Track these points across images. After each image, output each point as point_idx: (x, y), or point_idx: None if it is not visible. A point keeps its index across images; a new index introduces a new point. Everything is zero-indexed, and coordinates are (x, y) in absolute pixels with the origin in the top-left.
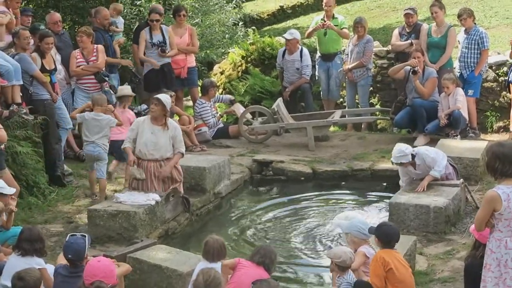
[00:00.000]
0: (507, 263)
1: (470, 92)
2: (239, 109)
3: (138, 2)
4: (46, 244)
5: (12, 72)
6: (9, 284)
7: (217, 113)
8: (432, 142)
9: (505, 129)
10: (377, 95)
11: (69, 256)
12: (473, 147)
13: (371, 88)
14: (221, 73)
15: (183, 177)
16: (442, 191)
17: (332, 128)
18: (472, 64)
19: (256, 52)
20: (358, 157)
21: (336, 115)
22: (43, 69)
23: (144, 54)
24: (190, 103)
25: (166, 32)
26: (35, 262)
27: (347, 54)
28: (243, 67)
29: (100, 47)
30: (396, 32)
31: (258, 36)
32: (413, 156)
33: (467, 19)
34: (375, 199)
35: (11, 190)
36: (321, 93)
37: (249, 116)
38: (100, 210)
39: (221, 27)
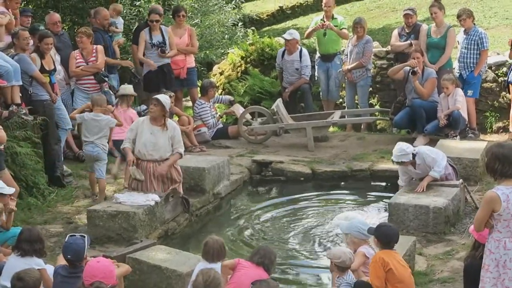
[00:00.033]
0: (506, 264)
1: (470, 92)
2: (238, 109)
3: (138, 3)
4: (46, 244)
5: (12, 73)
6: (9, 285)
7: (216, 113)
8: (432, 143)
9: (505, 129)
10: (377, 95)
11: (68, 256)
12: (473, 148)
13: (371, 89)
14: (221, 73)
15: (182, 177)
16: (442, 192)
17: (331, 129)
18: (471, 65)
19: (256, 52)
20: (358, 158)
21: (335, 115)
22: (42, 70)
23: (144, 54)
24: (190, 103)
25: (166, 33)
26: (35, 263)
27: (346, 55)
28: (243, 68)
29: (100, 47)
30: (395, 32)
31: (258, 36)
32: (413, 155)
33: (466, 20)
34: (375, 199)
35: (10, 190)
36: (321, 93)
37: (248, 116)
38: (99, 211)
39: (220, 28)
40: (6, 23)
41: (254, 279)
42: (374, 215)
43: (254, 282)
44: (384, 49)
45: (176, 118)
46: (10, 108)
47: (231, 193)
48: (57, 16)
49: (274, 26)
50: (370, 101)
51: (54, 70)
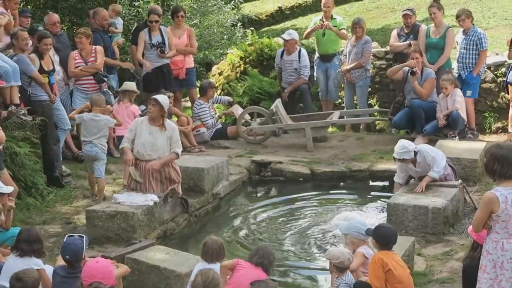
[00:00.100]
0: (503, 265)
1: (469, 93)
2: (237, 110)
3: (137, 3)
4: (45, 245)
5: (11, 73)
6: (7, 285)
7: (215, 114)
8: (431, 143)
9: (504, 130)
10: (376, 96)
11: (67, 257)
12: (472, 148)
13: (370, 89)
14: (220, 74)
15: (181, 178)
16: (441, 192)
17: (330, 129)
18: (470, 65)
19: (255, 53)
20: (357, 158)
21: (334, 116)
22: (41, 70)
23: (143, 55)
24: (189, 104)
25: (165, 33)
26: (34, 263)
27: (345, 55)
28: (242, 68)
29: (99, 48)
30: (394, 33)
31: (257, 37)
32: (415, 153)
33: (465, 20)
34: (374, 200)
35: (8, 189)
36: (320, 94)
37: (247, 117)
38: (98, 211)
39: (219, 28)
40: (5, 23)
41: (253, 279)
42: (373, 216)
43: (253, 283)
44: (383, 49)
45: (175, 119)
46: (9, 109)
47: (230, 194)
48: (56, 17)
49: (273, 27)
50: (369, 102)
51: (53, 70)
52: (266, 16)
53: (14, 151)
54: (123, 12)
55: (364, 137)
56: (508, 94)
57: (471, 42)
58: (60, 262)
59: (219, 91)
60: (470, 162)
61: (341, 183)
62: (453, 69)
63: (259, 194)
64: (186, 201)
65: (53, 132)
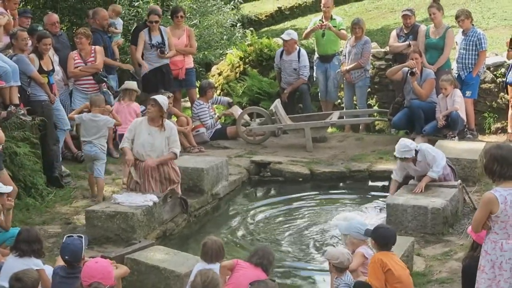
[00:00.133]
0: (502, 265)
1: (468, 93)
2: (237, 111)
3: (136, 4)
4: (44, 245)
5: (10, 73)
6: (7, 285)
7: (215, 114)
8: (430, 143)
9: (503, 130)
10: (375, 96)
11: (66, 257)
12: (471, 148)
13: (369, 89)
14: (219, 74)
15: (181, 178)
16: (440, 192)
17: (330, 129)
18: (470, 65)
19: (254, 53)
20: (356, 158)
21: (334, 116)
22: (41, 70)
23: (143, 55)
24: (188, 104)
25: (165, 33)
26: (33, 263)
27: (345, 56)
28: (241, 68)
29: (98, 48)
30: (394, 33)
31: (256, 37)
32: (416, 152)
33: (465, 21)
34: (373, 200)
35: (7, 189)
36: (319, 94)
37: (247, 117)
38: (98, 211)
39: (219, 28)
40: (4, 23)
41: (252, 279)
42: (373, 216)
43: (253, 283)
44: (383, 50)
45: (174, 119)
46: (9, 109)
47: (229, 194)
48: (55, 17)
49: (273, 27)
50: (369, 102)
51: (53, 70)
52: (266, 16)
53: (14, 151)
54: (123, 12)
55: (364, 138)
56: (508, 94)
57: (471, 43)
58: (60, 262)
59: (218, 91)
60: (469, 162)
61: (341, 184)
62: (452, 69)
63: (258, 195)
64: (186, 202)
65: (53, 132)
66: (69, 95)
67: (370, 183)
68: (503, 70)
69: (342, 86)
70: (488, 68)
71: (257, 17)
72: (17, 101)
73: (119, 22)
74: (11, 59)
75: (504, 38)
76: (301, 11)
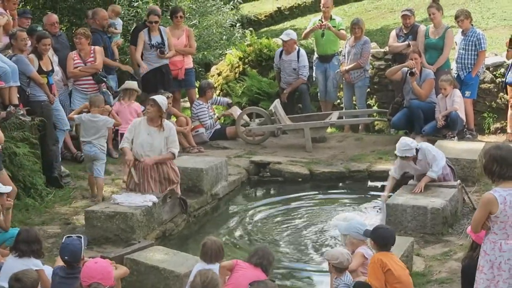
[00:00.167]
0: (501, 266)
1: (467, 93)
2: (236, 111)
3: (136, 4)
4: (44, 245)
5: (10, 74)
6: (6, 286)
7: (214, 114)
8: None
9: (502, 130)
10: (375, 96)
11: (66, 257)
12: (470, 148)
13: (368, 90)
14: (219, 74)
15: (180, 178)
16: (440, 192)
17: (329, 129)
18: (469, 66)
19: (254, 53)
20: (355, 158)
21: (333, 116)
22: (40, 71)
23: (142, 55)
24: (188, 104)
25: (165, 33)
26: (33, 264)
27: (344, 56)
28: (241, 69)
29: (98, 48)
30: (393, 33)
31: (256, 37)
32: (416, 150)
33: (464, 21)
34: (373, 200)
35: (7, 189)
36: (319, 94)
37: (246, 117)
38: (97, 212)
39: (218, 29)
40: (4, 24)
41: (252, 280)
42: (373, 216)
43: (252, 283)
44: (382, 50)
45: (174, 119)
46: (8, 109)
47: (229, 194)
48: (55, 17)
49: (272, 27)
50: (368, 102)
51: (52, 71)
52: (265, 16)
53: (13, 151)
54: (122, 12)
55: (363, 138)
56: (507, 94)
57: (470, 43)
58: (59, 262)
59: (218, 92)
60: (469, 162)
61: (340, 184)
62: (452, 69)
63: (258, 195)
64: (185, 202)
65: (52, 132)
66: (68, 95)
67: (370, 183)
68: (502, 70)
69: (341, 86)
70: (488, 68)
71: (257, 17)
72: (16, 102)
73: (118, 23)
74: (10, 59)
75: (503, 38)
76: (300, 11)
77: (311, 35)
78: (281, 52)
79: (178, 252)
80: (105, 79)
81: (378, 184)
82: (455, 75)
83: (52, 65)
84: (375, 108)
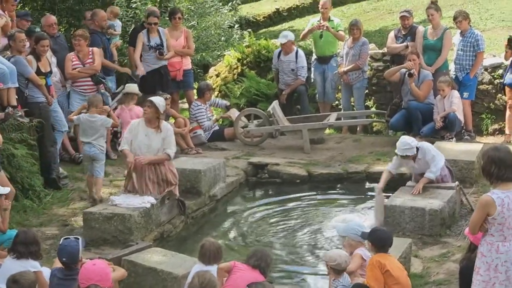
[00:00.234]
0: (497, 268)
1: (466, 94)
2: (234, 114)
3: (134, 5)
4: (42, 247)
5: (8, 75)
6: (4, 287)
7: (212, 115)
8: None
9: (501, 131)
10: (373, 97)
11: (63, 259)
12: (469, 150)
13: (367, 91)
14: (217, 75)
15: (178, 179)
16: (438, 194)
17: (327, 131)
18: (467, 67)
19: (252, 54)
20: (354, 160)
21: (331, 117)
22: (38, 72)
23: (141, 56)
24: (186, 105)
25: (163, 35)
26: (31, 265)
27: (342, 57)
28: (239, 70)
29: (96, 49)
30: (391, 34)
31: (254, 38)
32: (417, 149)
33: (462, 22)
34: (371, 201)
35: (5, 190)
36: (317, 95)
37: (244, 119)
38: (95, 213)
39: (217, 30)
40: (2, 25)
41: (250, 281)
42: (372, 218)
43: (250, 285)
44: (380, 51)
45: (172, 120)
46: (6, 110)
47: (227, 195)
48: (53, 18)
49: (271, 28)
50: (366, 103)
51: (50, 72)
52: (264, 17)
53: (11, 153)
54: (121, 13)
55: (361, 139)
56: (505, 95)
57: (468, 44)
58: (57, 264)
59: (216, 93)
60: (467, 164)
61: (338, 185)
62: (450, 70)
63: (256, 196)
64: (183, 203)
65: (50, 134)
66: (66, 96)
67: (368, 185)
68: (500, 71)
69: (339, 87)
70: (486, 69)
71: (255, 19)
72: (14, 103)
73: (118, 24)
74: (8, 60)
75: (501, 39)
76: (299, 12)
77: (310, 36)
78: (279, 53)
79: (176, 253)
80: (103, 80)
81: (376, 185)
82: (453, 76)
83: (50, 67)
84: (373, 109)
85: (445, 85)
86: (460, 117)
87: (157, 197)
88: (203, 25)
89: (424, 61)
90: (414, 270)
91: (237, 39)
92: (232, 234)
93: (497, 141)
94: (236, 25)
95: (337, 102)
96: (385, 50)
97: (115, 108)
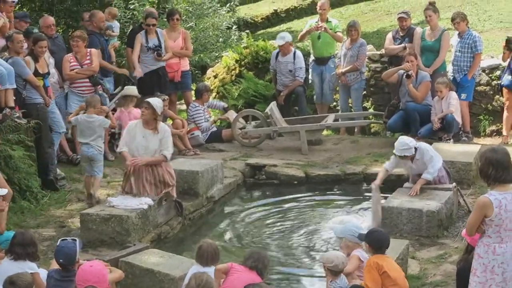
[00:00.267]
0: (494, 269)
1: (463, 95)
2: (232, 116)
3: (132, 6)
4: (39, 248)
5: (6, 76)
6: None
7: (210, 117)
8: None
9: (498, 133)
10: (371, 99)
11: (60, 260)
12: (466, 151)
13: (365, 92)
14: (215, 76)
15: (175, 181)
16: (435, 195)
17: (325, 132)
18: (465, 68)
19: (250, 55)
20: (351, 161)
21: (329, 119)
22: (36, 73)
23: (139, 57)
24: (184, 107)
25: (162, 36)
26: (28, 267)
27: (340, 58)
28: (237, 71)
29: (94, 50)
30: (389, 35)
31: (252, 39)
32: (415, 149)
33: (460, 23)
34: (368, 203)
35: (2, 191)
36: (315, 97)
37: (242, 120)
38: (92, 214)
39: (215, 31)
40: (0, 26)
41: (247, 283)
42: (370, 219)
43: (247, 286)
44: (378, 52)
45: (170, 122)
46: (4, 111)
47: (224, 197)
48: (51, 19)
49: (269, 29)
50: (364, 105)
51: (48, 73)
52: (262, 19)
53: (9, 154)
54: (119, 14)
55: (359, 140)
56: (503, 97)
57: (466, 45)
58: (54, 265)
59: (214, 94)
60: (464, 165)
61: (336, 186)
62: (448, 72)
63: (253, 197)
64: (181, 204)
65: (48, 135)
66: (64, 97)
67: (365, 186)
68: (498, 72)
69: (337, 88)
70: (484, 71)
71: (253, 20)
72: (12, 104)
73: (116, 25)
74: (6, 61)
75: (499, 40)
76: (297, 13)
77: (308, 38)
78: (277, 54)
79: (173, 255)
80: (101, 81)
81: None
82: (451, 78)
83: (48, 68)
84: (371, 110)
85: (443, 87)
86: (458, 118)
87: (154, 199)
88: (201, 26)
89: (422, 62)
90: (411, 271)
91: (235, 40)
92: (229, 236)
93: (495, 143)
94: (234, 26)
95: (335, 103)
96: (383, 51)
97: (113, 109)
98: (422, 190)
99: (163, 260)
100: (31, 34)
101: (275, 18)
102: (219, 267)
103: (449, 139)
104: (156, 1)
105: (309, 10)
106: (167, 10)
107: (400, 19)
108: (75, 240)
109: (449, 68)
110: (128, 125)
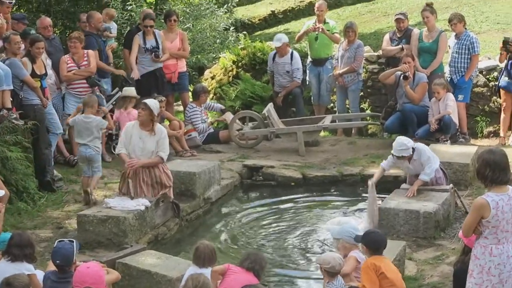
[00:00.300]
0: (490, 271)
1: (460, 97)
2: (229, 117)
3: (129, 7)
4: (36, 249)
5: (3, 77)
6: None
7: (207, 118)
8: None
9: (495, 134)
10: (368, 100)
11: (57, 261)
12: (463, 152)
13: (362, 93)
14: (212, 78)
15: (173, 182)
16: (432, 196)
17: (322, 133)
18: (462, 69)
19: (247, 57)
20: (348, 162)
21: (326, 120)
22: (33, 74)
23: (137, 59)
24: (181, 108)
25: (159, 37)
26: (25, 268)
27: (337, 59)
28: (234, 72)
29: (91, 52)
30: (387, 37)
31: (249, 41)
32: (413, 149)
33: (457, 24)
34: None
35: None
36: (312, 98)
37: (239, 121)
38: (89, 216)
39: (212, 32)
40: None
41: (244, 284)
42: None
43: (244, 287)
44: (376, 53)
45: (167, 123)
46: (1, 113)
47: (221, 198)
48: (48, 20)
49: (266, 31)
50: (361, 106)
51: (45, 74)
52: (259, 20)
53: (6, 155)
54: (116, 16)
55: (356, 142)
56: (500, 98)
57: (463, 47)
58: (51, 267)
59: (211, 95)
60: (461, 166)
61: (333, 187)
62: (445, 73)
63: (250, 199)
64: (178, 206)
65: (45, 136)
66: (61, 99)
67: (363, 187)
68: (495, 73)
69: (334, 90)
70: (481, 72)
71: (250, 21)
72: (9, 105)
73: (113, 26)
74: (3, 63)
75: (496, 41)
76: (294, 14)
77: (305, 39)
78: (274, 55)
79: (170, 256)
80: (99, 83)
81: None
82: (448, 79)
83: (45, 69)
84: (368, 112)
85: (440, 88)
86: (455, 119)
87: (151, 200)
88: (198, 28)
89: (419, 63)
90: (408, 272)
91: (233, 41)
92: (226, 237)
93: (492, 144)
94: (232, 28)
95: (332, 104)
96: (380, 52)
97: (110, 110)
98: (419, 191)
99: (160, 261)
100: (28, 35)
101: (273, 19)
102: (216, 268)
103: (446, 140)
104: (154, 2)
105: (307, 11)
106: (164, 11)
107: (398, 20)
108: (72, 241)
109: (447, 69)
110: (125, 126)
